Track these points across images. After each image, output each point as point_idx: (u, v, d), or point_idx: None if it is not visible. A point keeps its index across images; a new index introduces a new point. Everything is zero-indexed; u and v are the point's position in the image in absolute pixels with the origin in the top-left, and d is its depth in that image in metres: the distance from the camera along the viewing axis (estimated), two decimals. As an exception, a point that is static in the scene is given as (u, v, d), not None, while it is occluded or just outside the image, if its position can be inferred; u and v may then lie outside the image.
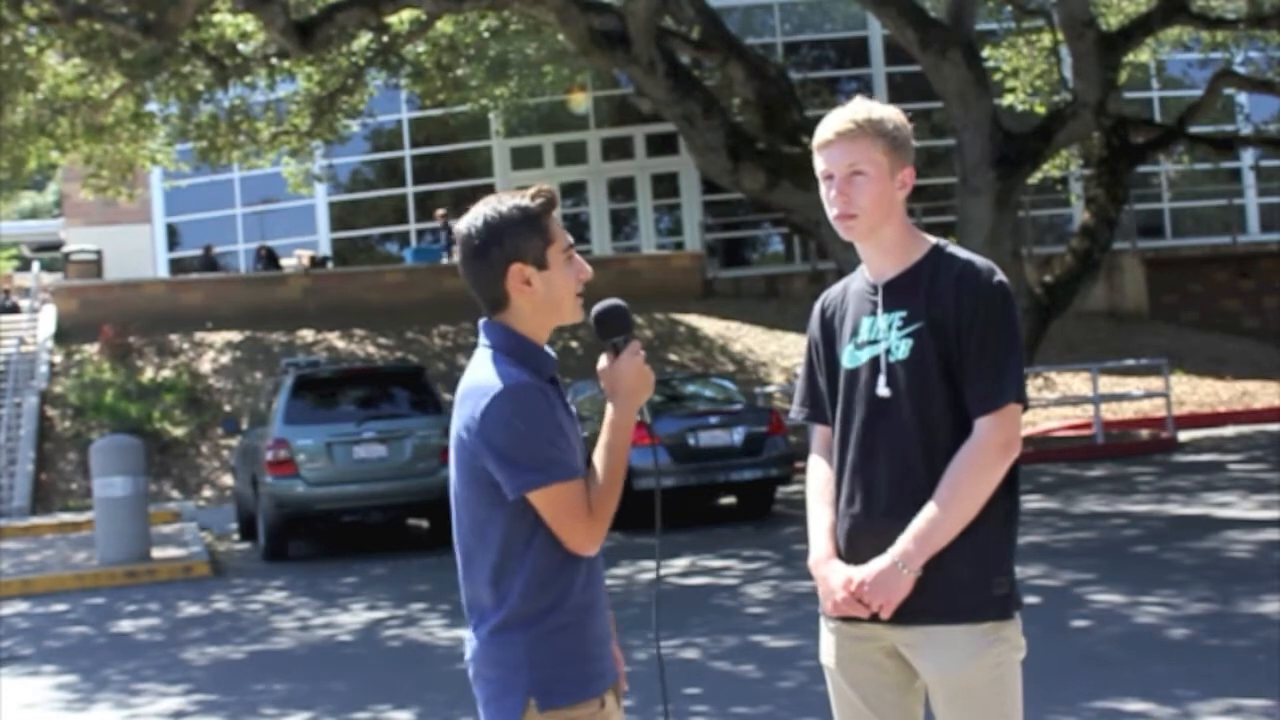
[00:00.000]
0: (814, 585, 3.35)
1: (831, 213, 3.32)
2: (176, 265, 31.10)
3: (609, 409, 3.07)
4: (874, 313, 3.32)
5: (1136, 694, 6.67)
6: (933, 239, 3.38)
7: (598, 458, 3.04)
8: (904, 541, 3.17)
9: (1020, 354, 3.25)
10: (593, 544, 3.01)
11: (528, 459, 2.93)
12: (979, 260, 3.29)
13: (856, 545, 3.28)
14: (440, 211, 28.89)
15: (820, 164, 3.33)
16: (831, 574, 3.29)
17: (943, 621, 3.19)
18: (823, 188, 3.33)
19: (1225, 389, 24.16)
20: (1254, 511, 12.57)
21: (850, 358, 3.34)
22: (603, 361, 3.10)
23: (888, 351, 3.27)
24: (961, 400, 3.22)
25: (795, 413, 3.55)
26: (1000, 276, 3.26)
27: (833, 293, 3.49)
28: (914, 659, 3.26)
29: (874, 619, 3.23)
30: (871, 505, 3.27)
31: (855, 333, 3.34)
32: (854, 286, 3.41)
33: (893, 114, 3.32)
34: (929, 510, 3.17)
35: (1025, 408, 3.28)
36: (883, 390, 3.26)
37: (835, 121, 3.30)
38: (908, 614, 3.20)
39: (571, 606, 3.01)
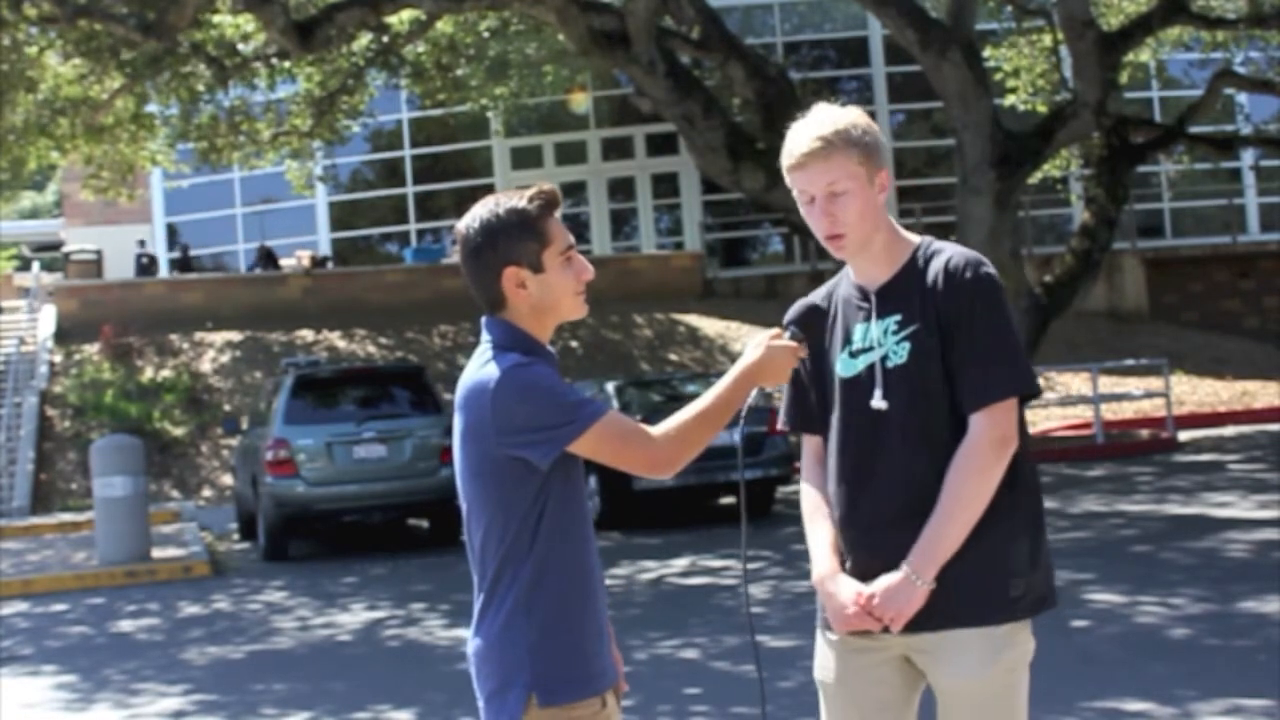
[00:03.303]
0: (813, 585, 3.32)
1: (819, 234, 3.21)
2: (176, 265, 31.11)
3: (738, 365, 3.16)
4: (867, 319, 3.22)
5: (1136, 694, 6.67)
6: (917, 237, 3.27)
7: (703, 397, 3.13)
8: (914, 554, 3.08)
9: (1014, 344, 3.13)
10: (664, 462, 3.06)
11: (556, 417, 2.95)
12: (964, 252, 3.17)
13: (860, 558, 3.19)
14: (139, 240, 29.58)
15: (795, 186, 3.20)
16: (840, 589, 3.18)
17: (957, 626, 3.11)
18: (803, 210, 3.21)
19: (1225, 389, 24.16)
20: (1253, 511, 12.57)
21: (845, 366, 3.24)
22: (768, 335, 3.21)
23: (884, 359, 3.17)
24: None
25: (782, 423, 3.47)
26: (987, 268, 3.15)
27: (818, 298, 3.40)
28: (925, 665, 3.18)
29: (884, 629, 3.15)
30: (874, 515, 3.17)
31: (849, 340, 3.24)
32: (841, 293, 3.31)
33: (855, 118, 3.18)
34: (934, 519, 3.08)
35: (1032, 397, 3.16)
36: (878, 402, 3.17)
37: (801, 141, 3.15)
38: (918, 620, 3.11)
39: (574, 606, 3.01)
